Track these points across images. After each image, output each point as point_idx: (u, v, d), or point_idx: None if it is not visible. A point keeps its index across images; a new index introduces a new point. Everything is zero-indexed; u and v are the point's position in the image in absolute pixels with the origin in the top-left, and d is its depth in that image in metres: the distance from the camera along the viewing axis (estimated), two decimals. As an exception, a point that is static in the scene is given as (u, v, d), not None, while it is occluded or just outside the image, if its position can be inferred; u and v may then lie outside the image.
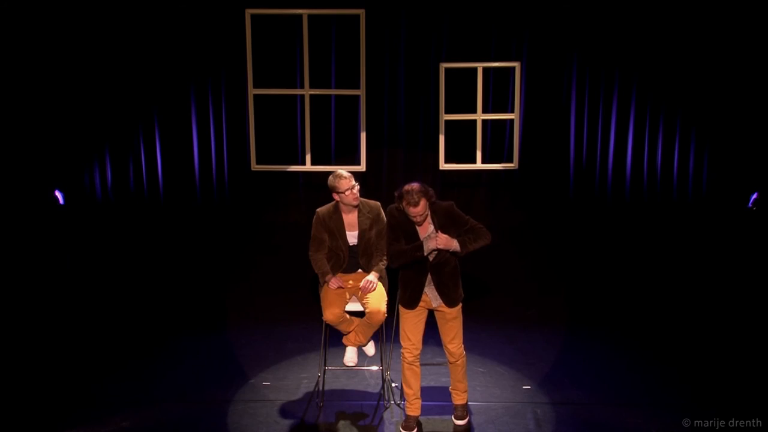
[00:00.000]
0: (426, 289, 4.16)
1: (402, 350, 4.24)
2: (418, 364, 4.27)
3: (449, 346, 4.25)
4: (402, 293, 4.20)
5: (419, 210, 3.93)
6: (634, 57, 7.94)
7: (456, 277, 4.19)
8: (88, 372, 5.11)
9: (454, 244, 3.99)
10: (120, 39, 7.90)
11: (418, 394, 4.30)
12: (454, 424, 4.35)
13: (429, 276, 4.12)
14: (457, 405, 4.39)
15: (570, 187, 8.25)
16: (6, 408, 4.56)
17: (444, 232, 4.01)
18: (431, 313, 4.27)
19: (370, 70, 7.94)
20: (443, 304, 4.15)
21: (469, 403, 4.55)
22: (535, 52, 8.03)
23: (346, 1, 7.81)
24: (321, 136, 8.18)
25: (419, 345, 4.24)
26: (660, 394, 4.74)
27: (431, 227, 4.06)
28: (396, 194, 4.01)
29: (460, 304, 4.21)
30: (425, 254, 4.04)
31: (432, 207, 4.04)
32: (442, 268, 4.12)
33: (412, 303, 4.17)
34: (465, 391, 4.40)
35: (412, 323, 4.20)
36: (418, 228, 4.07)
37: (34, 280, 7.02)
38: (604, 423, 4.36)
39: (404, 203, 3.94)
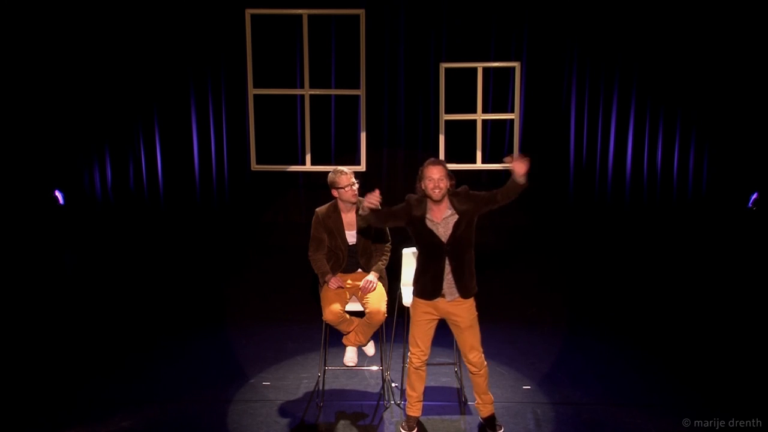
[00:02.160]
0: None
1: (409, 355, 4.17)
2: (424, 368, 4.20)
3: (469, 356, 4.10)
4: (420, 284, 4.03)
5: (439, 171, 3.87)
6: (634, 57, 7.95)
7: (472, 266, 4.08)
8: (89, 372, 5.11)
9: (524, 169, 3.80)
10: (120, 39, 7.92)
11: (421, 396, 4.27)
12: None
13: (447, 262, 3.98)
14: (485, 417, 4.23)
15: (570, 187, 8.25)
16: (6, 408, 4.56)
17: (466, 212, 3.94)
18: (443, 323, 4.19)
19: (370, 70, 7.94)
20: (459, 297, 4.02)
21: (469, 403, 4.55)
22: (534, 53, 8.04)
23: (346, 1, 7.81)
24: (321, 136, 8.18)
25: (427, 351, 4.16)
26: (660, 394, 4.74)
27: (449, 211, 3.98)
28: (418, 172, 3.99)
29: (475, 310, 4.11)
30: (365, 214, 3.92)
31: (450, 193, 3.97)
32: (462, 254, 3.99)
33: (433, 293, 4.01)
34: (491, 403, 4.24)
35: (423, 330, 4.12)
36: (432, 207, 3.96)
37: (34, 280, 7.03)
38: (604, 423, 4.36)
39: (427, 164, 3.92)
